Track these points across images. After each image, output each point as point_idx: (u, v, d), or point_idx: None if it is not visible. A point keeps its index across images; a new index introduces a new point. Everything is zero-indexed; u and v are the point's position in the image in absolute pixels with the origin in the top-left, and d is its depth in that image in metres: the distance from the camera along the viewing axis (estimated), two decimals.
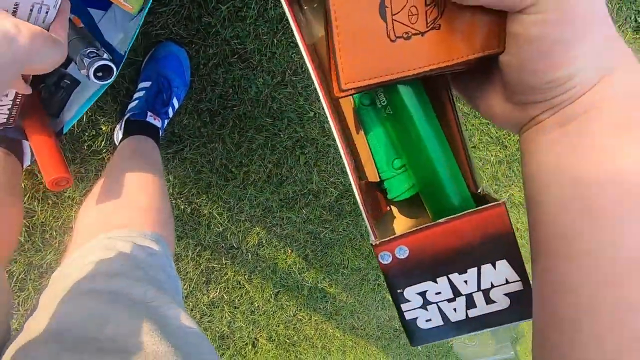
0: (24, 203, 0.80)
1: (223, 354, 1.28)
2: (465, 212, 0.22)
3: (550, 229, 0.18)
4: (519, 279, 0.23)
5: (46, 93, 0.51)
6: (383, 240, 0.23)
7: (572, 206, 0.17)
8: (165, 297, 0.42)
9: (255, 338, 1.33)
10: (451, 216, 0.22)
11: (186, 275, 1.07)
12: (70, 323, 0.36)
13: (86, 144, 0.79)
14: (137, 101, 0.70)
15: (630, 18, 1.23)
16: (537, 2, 0.16)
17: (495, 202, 0.22)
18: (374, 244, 0.23)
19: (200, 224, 1.01)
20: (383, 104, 0.25)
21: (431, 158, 0.24)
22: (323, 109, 0.23)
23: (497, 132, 1.29)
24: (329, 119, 0.23)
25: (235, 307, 1.21)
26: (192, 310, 1.14)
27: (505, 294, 0.23)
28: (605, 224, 0.16)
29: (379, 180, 0.27)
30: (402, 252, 0.23)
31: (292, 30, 0.85)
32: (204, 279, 1.10)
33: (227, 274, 1.13)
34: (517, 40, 0.17)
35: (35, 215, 0.82)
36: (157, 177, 0.63)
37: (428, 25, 0.19)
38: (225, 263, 1.11)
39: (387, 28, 0.19)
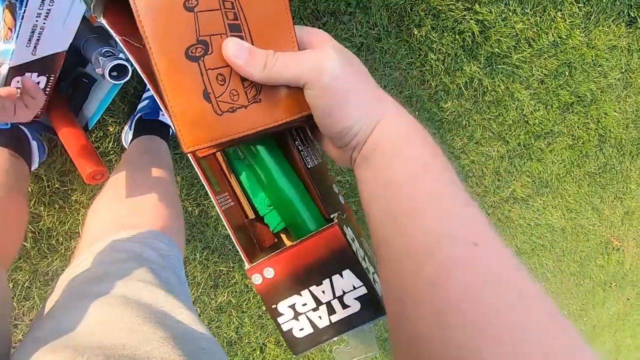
0: (30, 208, 0.78)
1: None
2: (310, 234, 0.27)
3: (376, 237, 0.24)
4: (362, 284, 0.28)
5: (64, 92, 0.50)
6: (253, 265, 0.27)
7: (382, 219, 0.23)
8: (176, 302, 0.41)
9: (263, 343, 1.31)
10: (300, 239, 0.27)
11: (194, 280, 1.05)
12: (78, 328, 0.35)
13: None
14: (147, 100, 0.69)
15: (624, 12, 1.26)
16: (307, 82, 0.23)
17: (330, 224, 0.27)
18: (246, 269, 0.27)
19: (207, 225, 0.99)
20: (242, 157, 0.30)
21: (288, 197, 0.29)
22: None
23: (498, 127, 1.30)
24: (198, 173, 0.27)
25: (243, 312, 1.19)
26: (200, 315, 1.12)
27: (355, 299, 0.28)
28: (398, 224, 0.22)
29: (254, 217, 0.32)
30: (269, 273, 0.27)
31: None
32: (211, 283, 1.09)
33: (235, 277, 1.12)
34: (310, 106, 0.24)
35: (42, 221, 0.80)
36: (167, 177, 0.62)
37: (249, 100, 0.25)
38: (233, 266, 1.10)
39: (213, 107, 0.24)
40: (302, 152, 0.30)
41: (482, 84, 1.16)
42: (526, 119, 1.34)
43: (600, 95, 1.41)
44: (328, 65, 0.23)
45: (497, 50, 1.11)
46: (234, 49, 0.23)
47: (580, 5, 1.17)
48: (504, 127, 1.31)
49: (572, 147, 1.52)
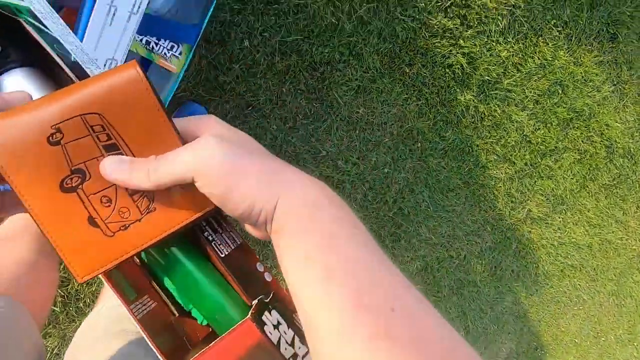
0: (60, 272, 0.81)
1: None
2: (224, 334, 0.26)
3: (297, 309, 0.24)
4: None
5: None
6: None
7: (299, 292, 0.24)
8: None
9: None
10: (215, 340, 0.26)
11: None
12: None
13: None
14: None
15: (603, 30, 1.33)
16: (194, 175, 0.23)
17: (243, 319, 0.26)
18: None
19: None
20: (153, 259, 0.29)
21: (206, 293, 0.28)
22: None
23: (502, 150, 1.33)
24: (108, 285, 0.26)
25: None
26: None
27: None
28: (315, 298, 0.22)
29: (177, 315, 0.30)
30: None
31: (298, 79, 0.91)
32: None
33: None
34: (207, 197, 0.24)
35: (70, 284, 0.83)
36: None
37: (142, 212, 0.24)
38: None
39: (102, 230, 0.23)
40: (213, 242, 0.29)
41: (478, 110, 1.21)
42: (528, 139, 1.37)
43: (598, 108, 1.44)
44: (210, 153, 0.23)
45: (487, 77, 1.17)
46: (112, 167, 0.23)
47: (559, 29, 1.24)
48: (508, 148, 1.33)
49: (581, 161, 1.52)
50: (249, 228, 0.27)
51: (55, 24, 0.25)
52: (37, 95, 0.24)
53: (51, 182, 0.22)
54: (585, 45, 1.31)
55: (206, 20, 0.64)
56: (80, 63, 0.26)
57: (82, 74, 0.26)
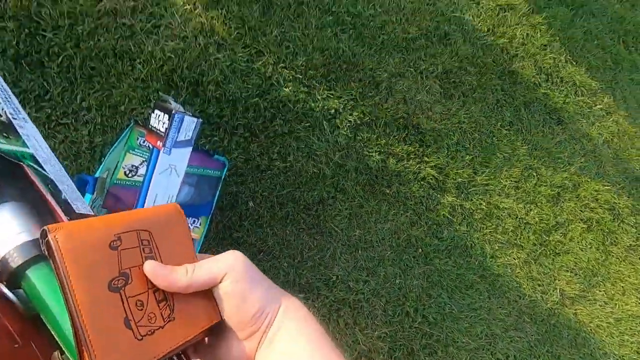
0: None
1: None
2: None
3: None
4: None
5: None
6: None
7: None
8: None
9: None
10: None
11: None
12: None
13: None
14: None
15: (547, 119, 1.56)
16: (227, 272, 0.29)
17: None
18: None
19: None
20: None
21: None
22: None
23: (503, 237, 1.39)
24: None
25: None
26: None
27: None
28: None
29: None
30: None
31: (298, 221, 1.14)
32: None
33: None
34: (228, 298, 0.30)
35: None
36: None
37: (165, 320, 0.27)
38: None
39: (134, 333, 0.26)
40: None
41: (464, 207, 1.34)
42: (525, 221, 1.45)
43: (578, 178, 1.56)
44: (240, 257, 0.30)
45: (460, 179, 1.35)
46: (155, 265, 0.28)
47: (507, 128, 1.47)
48: (509, 234, 1.40)
49: (590, 229, 1.55)
50: (239, 344, 0.30)
51: (53, 167, 0.32)
52: (21, 227, 0.30)
53: (102, 280, 0.25)
54: (537, 133, 1.52)
55: (216, 198, 0.86)
56: (69, 200, 0.32)
57: (68, 210, 0.32)
